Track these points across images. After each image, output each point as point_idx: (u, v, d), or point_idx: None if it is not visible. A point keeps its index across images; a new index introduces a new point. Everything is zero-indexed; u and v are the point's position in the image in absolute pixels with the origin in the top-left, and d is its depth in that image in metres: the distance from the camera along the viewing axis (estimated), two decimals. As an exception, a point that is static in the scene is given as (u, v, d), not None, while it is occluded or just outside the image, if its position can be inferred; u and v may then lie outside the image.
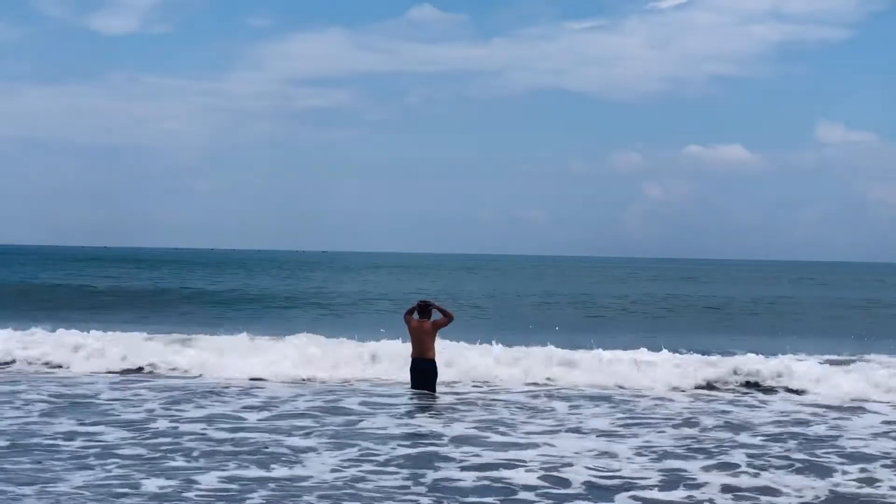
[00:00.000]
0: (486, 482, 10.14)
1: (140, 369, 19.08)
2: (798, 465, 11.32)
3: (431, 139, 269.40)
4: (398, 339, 19.57)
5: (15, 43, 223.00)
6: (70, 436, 12.16)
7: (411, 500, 9.46)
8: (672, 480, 10.37)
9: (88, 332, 21.77)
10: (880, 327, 32.80)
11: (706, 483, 10.28)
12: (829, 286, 71.15)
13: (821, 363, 19.75)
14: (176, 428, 12.82)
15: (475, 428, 13.17)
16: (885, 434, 13.56)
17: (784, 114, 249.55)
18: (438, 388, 16.53)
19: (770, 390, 17.95)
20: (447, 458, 11.25)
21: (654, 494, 9.82)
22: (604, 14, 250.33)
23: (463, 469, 10.73)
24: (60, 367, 19.39)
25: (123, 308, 35.81)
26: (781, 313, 40.73)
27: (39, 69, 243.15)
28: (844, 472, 10.93)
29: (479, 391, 17.22)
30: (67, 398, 15.30)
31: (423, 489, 9.84)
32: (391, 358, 18.87)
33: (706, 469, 10.96)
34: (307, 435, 12.51)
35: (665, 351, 20.36)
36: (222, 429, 12.82)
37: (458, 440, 12.34)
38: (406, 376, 16.77)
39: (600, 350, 20.14)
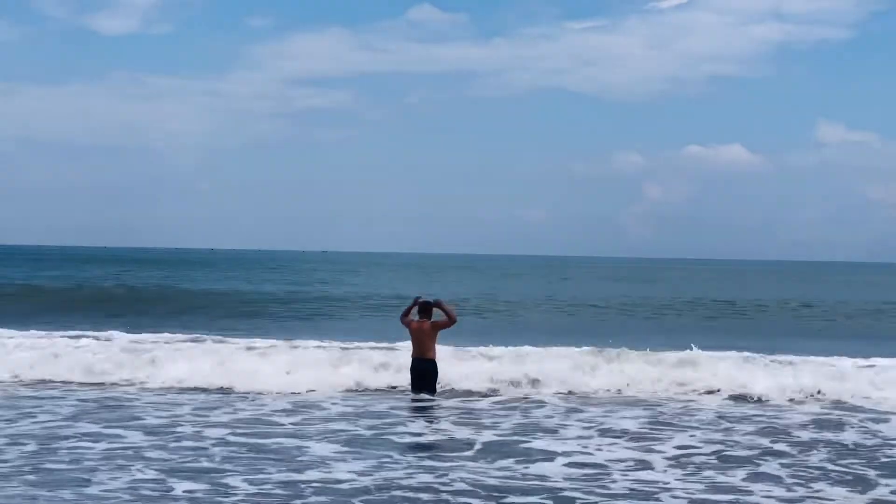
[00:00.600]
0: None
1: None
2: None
3: (431, 139, 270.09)
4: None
5: (15, 43, 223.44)
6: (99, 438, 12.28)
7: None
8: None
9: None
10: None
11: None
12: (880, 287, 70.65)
13: None
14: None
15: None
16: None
17: (784, 114, 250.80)
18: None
19: None
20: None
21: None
22: (604, 14, 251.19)
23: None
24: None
25: (198, 311, 34.92)
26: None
27: (39, 69, 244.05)
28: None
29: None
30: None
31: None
32: None
33: None
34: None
35: None
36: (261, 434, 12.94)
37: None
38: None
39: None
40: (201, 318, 31.64)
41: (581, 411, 15.18)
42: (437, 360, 16.42)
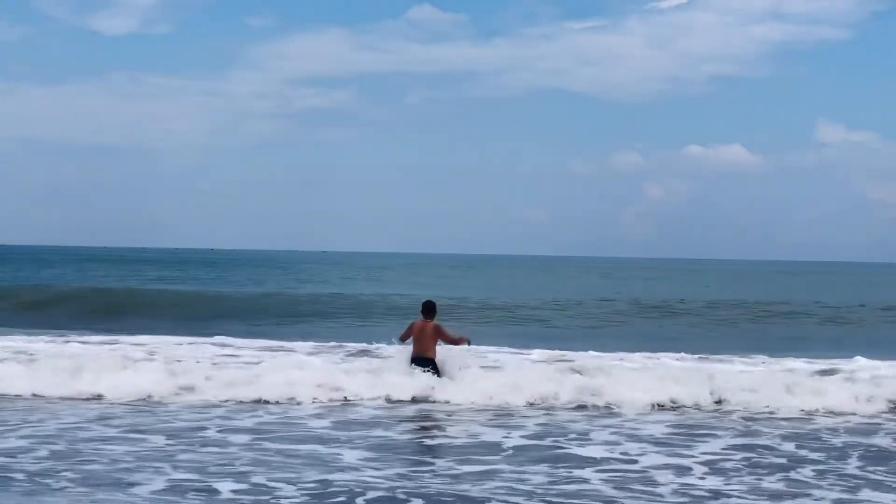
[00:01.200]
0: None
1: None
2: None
3: (431, 139, 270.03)
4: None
5: (15, 43, 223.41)
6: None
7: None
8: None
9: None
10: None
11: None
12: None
13: None
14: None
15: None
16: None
17: (784, 114, 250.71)
18: None
19: None
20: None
21: None
22: (604, 14, 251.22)
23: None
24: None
25: (245, 315, 34.66)
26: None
27: (39, 69, 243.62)
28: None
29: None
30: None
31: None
32: None
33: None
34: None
35: None
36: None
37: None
38: None
39: None
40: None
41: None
42: (437, 361, 16.38)
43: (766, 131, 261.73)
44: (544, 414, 15.17)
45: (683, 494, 10.21)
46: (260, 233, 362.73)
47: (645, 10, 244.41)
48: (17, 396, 15.86)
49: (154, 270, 80.00)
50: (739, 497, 10.13)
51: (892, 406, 16.20)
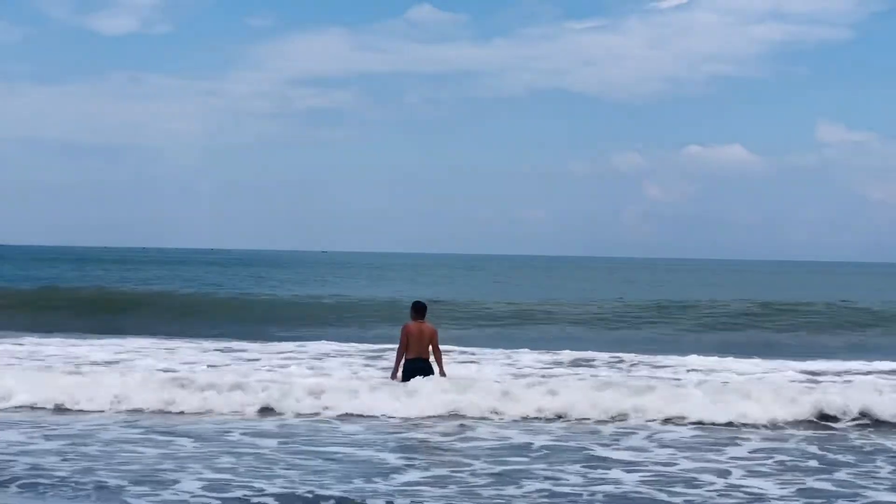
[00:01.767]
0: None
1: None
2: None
3: (431, 139, 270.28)
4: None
5: (15, 43, 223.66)
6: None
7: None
8: None
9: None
10: None
11: None
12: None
13: None
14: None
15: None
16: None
17: (784, 114, 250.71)
18: None
19: None
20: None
21: None
22: (604, 14, 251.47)
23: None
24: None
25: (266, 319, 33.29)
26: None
27: (40, 69, 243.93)
28: None
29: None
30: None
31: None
32: None
33: None
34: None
35: None
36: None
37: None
38: None
39: None
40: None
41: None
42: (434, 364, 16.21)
43: (765, 131, 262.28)
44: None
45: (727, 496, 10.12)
46: (260, 233, 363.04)
47: (645, 10, 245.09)
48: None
49: (155, 270, 79.88)
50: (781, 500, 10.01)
51: None
